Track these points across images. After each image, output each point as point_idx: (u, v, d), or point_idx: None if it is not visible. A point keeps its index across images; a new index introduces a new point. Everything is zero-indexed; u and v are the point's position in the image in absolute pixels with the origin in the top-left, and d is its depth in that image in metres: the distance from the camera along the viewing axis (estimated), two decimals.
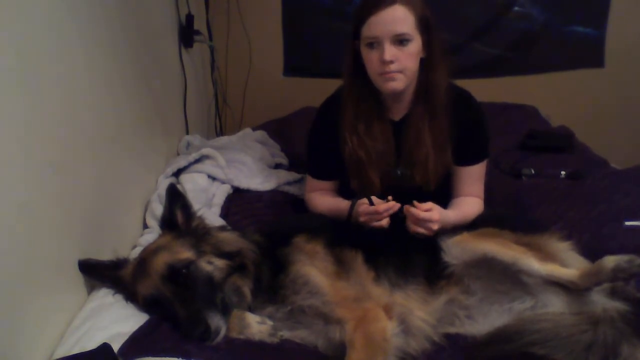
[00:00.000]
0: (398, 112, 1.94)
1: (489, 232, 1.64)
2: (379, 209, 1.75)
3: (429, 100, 1.86)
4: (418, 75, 1.86)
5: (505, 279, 1.55)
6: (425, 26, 1.76)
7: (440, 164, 1.90)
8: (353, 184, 1.97)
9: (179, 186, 2.06)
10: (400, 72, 1.76)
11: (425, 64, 1.84)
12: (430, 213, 1.71)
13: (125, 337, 1.28)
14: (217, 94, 3.41)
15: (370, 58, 1.78)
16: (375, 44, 1.75)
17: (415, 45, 1.76)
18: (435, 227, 1.72)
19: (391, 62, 1.73)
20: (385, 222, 1.77)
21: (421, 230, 1.73)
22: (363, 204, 1.81)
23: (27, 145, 1.24)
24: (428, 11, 1.78)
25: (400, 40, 1.73)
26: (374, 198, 1.79)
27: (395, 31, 1.71)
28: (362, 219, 1.81)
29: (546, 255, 1.54)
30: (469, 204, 1.95)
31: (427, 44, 1.80)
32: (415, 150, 1.89)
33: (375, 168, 1.92)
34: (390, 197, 1.78)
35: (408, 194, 1.84)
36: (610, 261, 1.43)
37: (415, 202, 1.73)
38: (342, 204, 1.93)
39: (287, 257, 1.55)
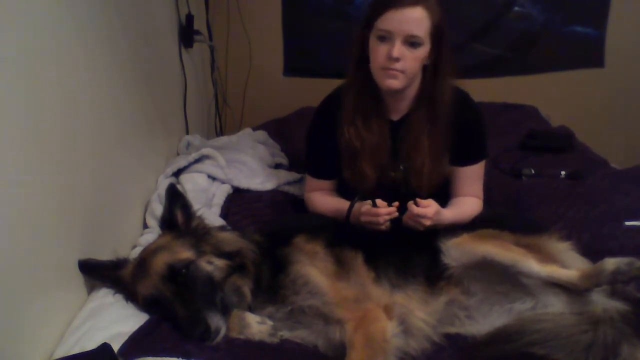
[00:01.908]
0: (397, 112, 1.94)
1: (488, 233, 1.64)
2: (380, 212, 1.76)
3: (431, 107, 1.87)
4: (423, 80, 1.87)
5: (505, 280, 1.55)
6: (438, 34, 1.77)
7: (436, 172, 1.91)
8: (347, 174, 1.98)
9: (179, 186, 2.06)
10: (402, 72, 1.76)
11: (433, 72, 1.84)
12: (425, 209, 1.74)
13: (125, 337, 1.27)
14: (217, 94, 3.41)
15: (378, 50, 1.77)
16: (386, 38, 1.75)
17: (424, 51, 1.77)
18: (427, 222, 1.74)
19: (397, 59, 1.73)
20: (384, 226, 1.78)
21: (412, 224, 1.76)
22: (366, 204, 1.82)
23: (27, 146, 1.24)
24: (444, 20, 1.78)
25: (412, 42, 1.73)
26: (378, 201, 1.79)
27: (411, 32, 1.71)
28: (362, 218, 1.82)
29: (546, 257, 1.55)
30: (466, 203, 1.95)
31: (435, 52, 1.80)
32: (412, 155, 1.90)
33: (369, 160, 1.92)
34: (396, 204, 1.79)
35: (404, 196, 1.85)
36: (610, 264, 1.43)
37: (418, 200, 1.76)
38: (342, 203, 1.93)
39: (287, 257, 1.55)
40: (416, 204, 1.75)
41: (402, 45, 1.73)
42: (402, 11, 1.71)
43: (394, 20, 1.72)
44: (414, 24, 1.72)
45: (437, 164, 1.90)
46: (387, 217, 1.77)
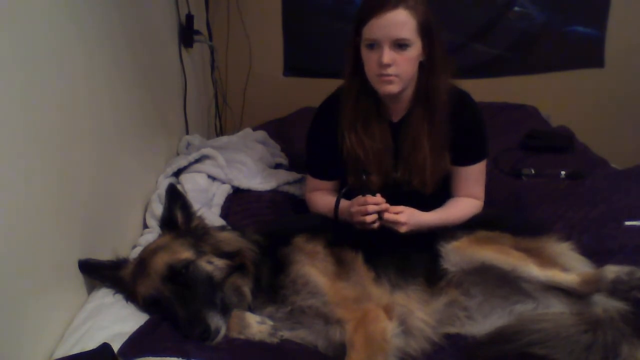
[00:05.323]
0: (396, 114, 1.94)
1: (487, 236, 1.64)
2: (368, 200, 1.75)
3: (429, 104, 1.86)
4: (418, 78, 1.86)
5: (505, 284, 1.56)
6: (426, 31, 1.76)
7: (439, 168, 1.90)
8: (350, 180, 1.97)
9: (179, 186, 2.06)
10: (397, 75, 1.76)
11: (426, 68, 1.83)
12: (396, 216, 1.74)
13: (125, 337, 1.27)
14: (217, 94, 3.41)
15: (369, 59, 1.78)
16: (375, 45, 1.74)
17: (415, 50, 1.76)
18: (402, 229, 1.75)
19: (388, 65, 1.72)
20: (370, 218, 1.75)
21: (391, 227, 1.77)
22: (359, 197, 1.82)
23: (26, 145, 1.24)
24: (431, 15, 1.77)
25: (400, 45, 1.72)
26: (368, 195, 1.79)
27: (396, 35, 1.71)
28: (353, 209, 1.80)
29: (546, 260, 1.55)
30: (458, 205, 1.94)
31: (427, 49, 1.79)
32: (413, 154, 1.89)
33: (373, 167, 1.92)
34: (378, 194, 1.78)
35: (406, 197, 1.85)
36: (610, 272, 1.44)
37: (390, 207, 1.76)
38: (342, 203, 1.93)
39: (288, 257, 1.55)
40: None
41: (391, 49, 1.72)
42: (384, 17, 1.70)
43: (378, 27, 1.71)
44: (398, 27, 1.70)
45: (438, 160, 1.89)
46: (375, 208, 1.75)
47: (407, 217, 1.76)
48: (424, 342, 1.47)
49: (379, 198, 1.76)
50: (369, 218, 1.75)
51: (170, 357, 1.22)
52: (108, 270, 1.50)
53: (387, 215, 1.74)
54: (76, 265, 1.44)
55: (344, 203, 1.88)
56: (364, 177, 1.87)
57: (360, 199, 1.79)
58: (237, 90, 3.53)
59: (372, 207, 1.74)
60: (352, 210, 1.81)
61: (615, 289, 1.43)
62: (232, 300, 1.45)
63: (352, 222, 1.83)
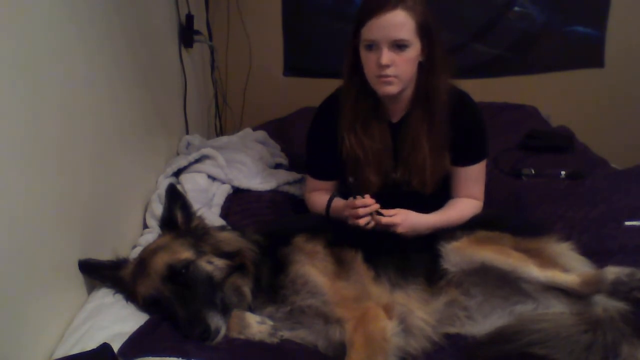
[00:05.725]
0: (396, 114, 1.94)
1: (487, 236, 1.64)
2: (356, 204, 1.75)
3: (428, 104, 1.86)
4: (418, 78, 1.86)
5: (505, 284, 1.55)
6: (425, 31, 1.75)
7: (438, 168, 1.90)
8: (350, 180, 1.97)
9: (179, 186, 2.07)
10: (396, 76, 1.76)
11: (426, 69, 1.83)
12: (392, 219, 1.75)
13: (125, 337, 1.27)
14: (217, 94, 3.41)
15: (368, 59, 1.78)
16: (373, 46, 1.74)
17: (414, 51, 1.75)
18: (398, 229, 1.76)
19: (387, 66, 1.72)
20: (363, 221, 1.74)
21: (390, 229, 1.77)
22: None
23: (26, 145, 1.24)
24: (430, 16, 1.77)
25: (399, 46, 1.72)
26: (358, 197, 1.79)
27: (395, 37, 1.71)
28: (346, 212, 1.80)
29: (546, 260, 1.54)
30: (458, 206, 1.94)
31: (426, 49, 1.79)
32: (412, 154, 1.89)
33: (372, 167, 1.92)
34: (367, 195, 1.77)
35: (405, 197, 1.85)
36: (610, 273, 1.44)
37: (382, 210, 1.76)
38: (337, 203, 1.93)
39: (287, 257, 1.55)
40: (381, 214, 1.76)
41: (390, 50, 1.72)
42: (383, 18, 1.70)
43: (378, 28, 1.71)
44: (397, 28, 1.70)
45: (438, 160, 1.89)
46: (366, 210, 1.74)
47: (402, 218, 1.76)
48: (424, 341, 1.47)
49: (367, 199, 1.75)
50: (362, 221, 1.75)
51: (170, 357, 1.22)
52: (108, 270, 1.50)
53: (383, 220, 1.74)
54: (76, 265, 1.44)
55: (338, 203, 1.87)
56: (350, 180, 1.86)
57: (350, 202, 1.79)
58: (237, 90, 3.53)
59: (362, 210, 1.74)
60: (344, 214, 1.81)
61: (615, 290, 1.43)
62: (232, 300, 1.45)
63: (343, 218, 1.83)
